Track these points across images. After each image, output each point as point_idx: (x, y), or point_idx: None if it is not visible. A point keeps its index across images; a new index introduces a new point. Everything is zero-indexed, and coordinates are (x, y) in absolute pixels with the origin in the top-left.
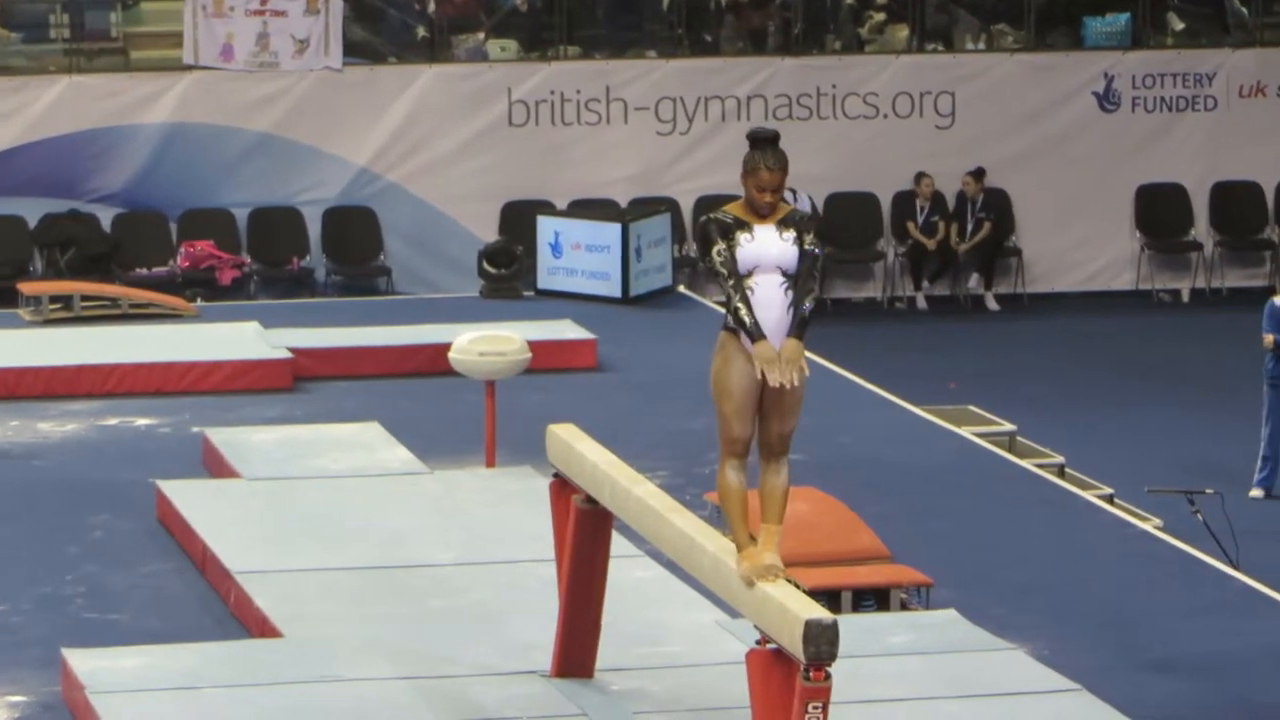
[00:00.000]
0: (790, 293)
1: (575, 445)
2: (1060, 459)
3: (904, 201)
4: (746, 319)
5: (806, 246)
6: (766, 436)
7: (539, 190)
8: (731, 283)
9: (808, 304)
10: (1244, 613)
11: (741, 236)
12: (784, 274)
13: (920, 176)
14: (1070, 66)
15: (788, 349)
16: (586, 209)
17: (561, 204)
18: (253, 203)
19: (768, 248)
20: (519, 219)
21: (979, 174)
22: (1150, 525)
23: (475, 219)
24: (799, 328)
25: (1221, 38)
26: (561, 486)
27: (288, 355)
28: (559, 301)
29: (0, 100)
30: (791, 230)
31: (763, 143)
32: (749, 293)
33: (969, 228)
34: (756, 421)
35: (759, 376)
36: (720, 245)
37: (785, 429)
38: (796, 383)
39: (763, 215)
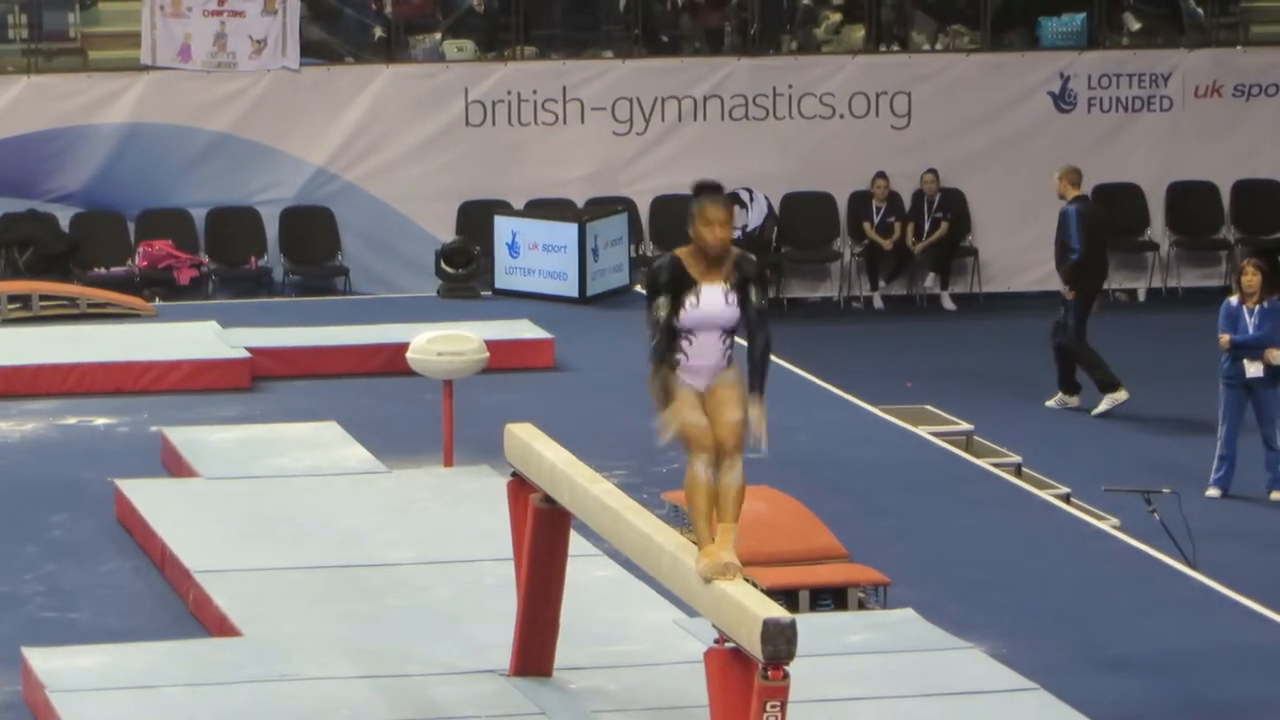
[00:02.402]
0: (727, 341)
1: (533, 444)
2: (1017, 458)
3: (860, 201)
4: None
5: (755, 303)
6: (717, 433)
7: (496, 190)
8: (658, 342)
9: (765, 361)
10: (1200, 612)
11: (688, 301)
12: (724, 330)
13: (877, 176)
14: (1026, 66)
15: (754, 413)
16: (543, 209)
17: (518, 204)
18: (211, 203)
19: (713, 313)
20: (476, 219)
21: (936, 173)
22: (1107, 524)
23: (432, 219)
24: (760, 383)
25: (1177, 38)
26: (519, 486)
27: (246, 355)
28: (516, 301)
29: None
30: (736, 293)
31: (708, 189)
32: (688, 343)
33: (925, 227)
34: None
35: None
36: (664, 299)
37: (733, 418)
38: (763, 445)
39: (712, 257)
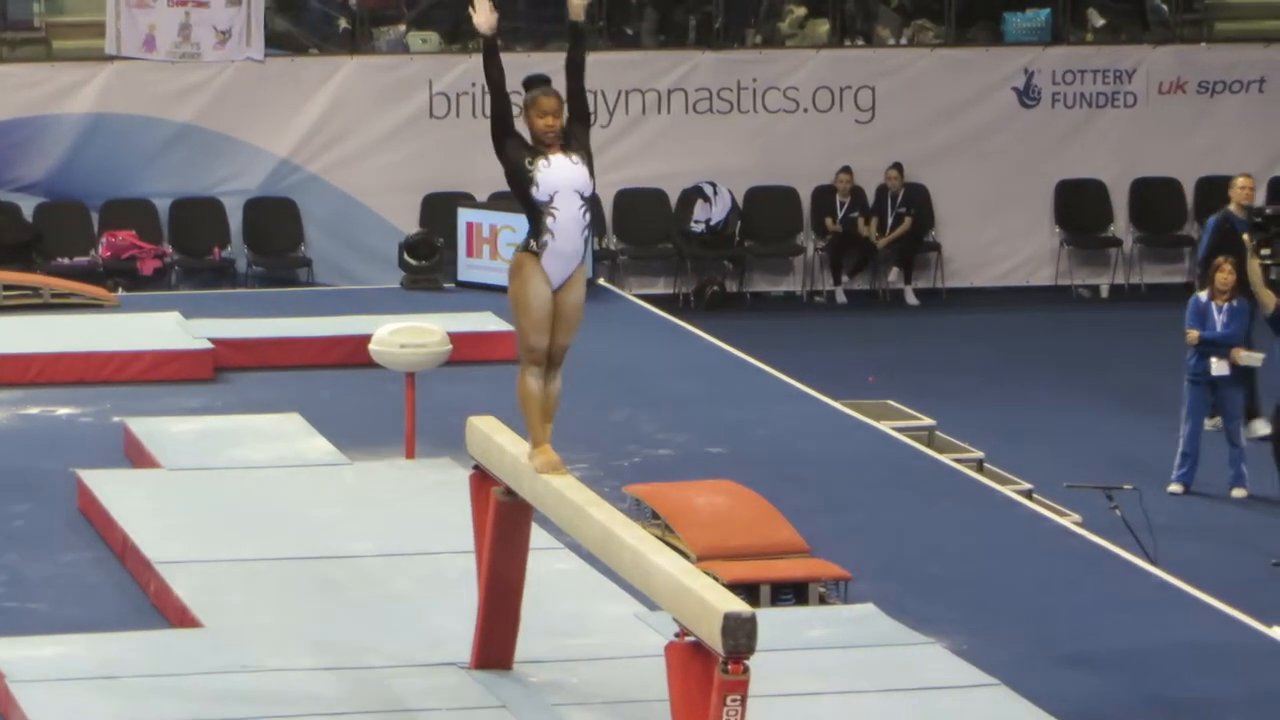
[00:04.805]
0: (587, 215)
1: (495, 437)
2: (979, 454)
3: (824, 196)
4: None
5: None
6: (550, 349)
7: (459, 182)
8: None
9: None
10: (1161, 608)
11: (540, 162)
12: (581, 197)
13: (841, 171)
14: (990, 62)
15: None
16: (507, 201)
17: (482, 196)
18: (174, 193)
19: (565, 175)
20: (440, 211)
21: (901, 168)
22: (1069, 520)
23: (396, 210)
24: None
25: (1141, 34)
26: (481, 478)
27: (209, 346)
28: (479, 294)
29: None
30: (576, 153)
31: (537, 82)
32: (551, 218)
33: (889, 222)
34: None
35: (551, 293)
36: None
37: (565, 342)
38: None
39: (547, 144)
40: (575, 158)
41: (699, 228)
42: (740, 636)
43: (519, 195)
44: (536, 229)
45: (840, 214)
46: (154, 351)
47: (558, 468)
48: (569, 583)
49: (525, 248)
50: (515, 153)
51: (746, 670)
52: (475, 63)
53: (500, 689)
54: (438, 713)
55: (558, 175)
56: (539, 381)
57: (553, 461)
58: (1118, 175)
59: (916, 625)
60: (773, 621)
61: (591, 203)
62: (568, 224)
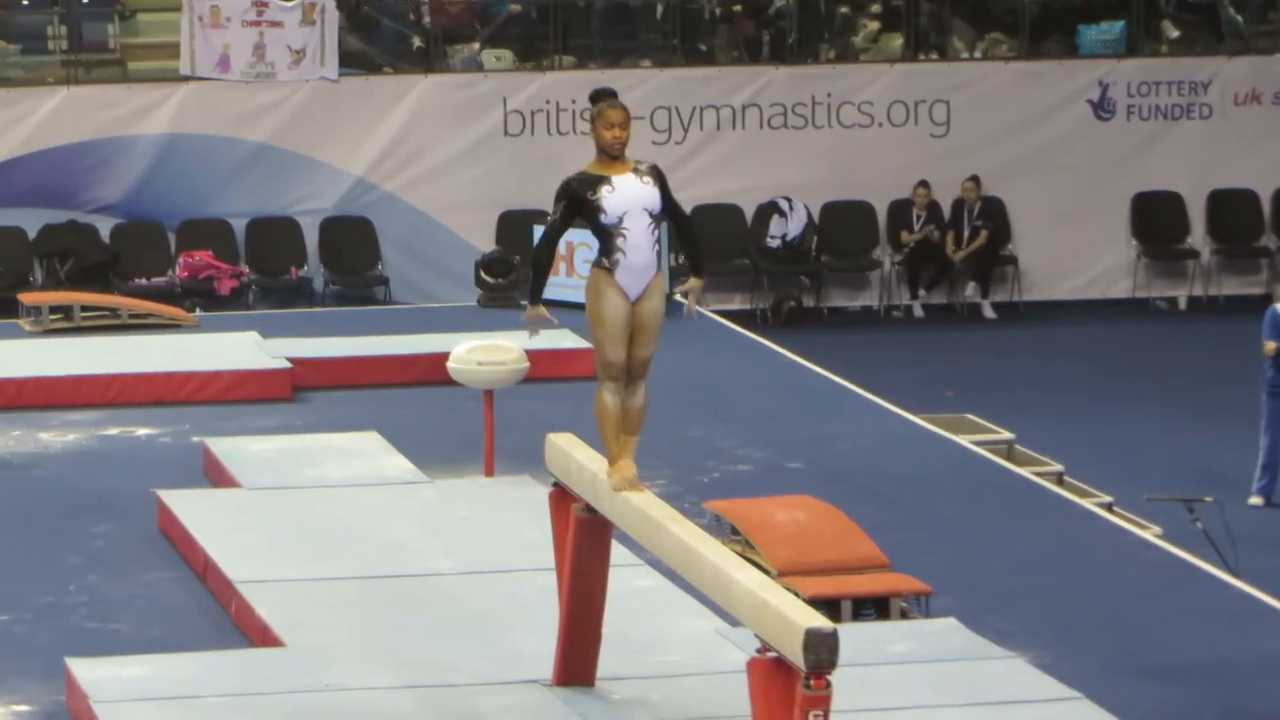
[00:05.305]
0: (654, 231)
1: (574, 454)
2: (1059, 467)
3: (899, 210)
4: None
5: (671, 196)
6: (630, 363)
7: (535, 199)
8: (545, 240)
9: (697, 243)
10: (1243, 620)
11: (604, 189)
12: (650, 215)
13: (918, 185)
14: (1065, 74)
15: (693, 294)
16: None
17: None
18: (250, 213)
19: (633, 194)
20: (515, 228)
21: (978, 180)
22: (1149, 533)
23: (472, 228)
24: (699, 266)
25: (1216, 45)
26: (561, 495)
27: (287, 365)
28: (557, 310)
29: None
30: (649, 177)
31: (604, 95)
32: (621, 238)
33: (966, 235)
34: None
35: (629, 306)
36: (559, 211)
37: (645, 354)
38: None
39: (614, 157)
40: (647, 179)
41: (775, 243)
42: (822, 652)
43: (590, 226)
44: (607, 249)
45: (917, 228)
46: (232, 371)
47: (634, 484)
48: (650, 599)
49: (599, 264)
50: (576, 197)
51: (829, 685)
52: (549, 80)
53: (582, 706)
54: None
55: (624, 196)
56: (616, 398)
57: (629, 478)
58: (1194, 187)
59: (998, 639)
60: (854, 636)
61: (662, 219)
62: (638, 240)
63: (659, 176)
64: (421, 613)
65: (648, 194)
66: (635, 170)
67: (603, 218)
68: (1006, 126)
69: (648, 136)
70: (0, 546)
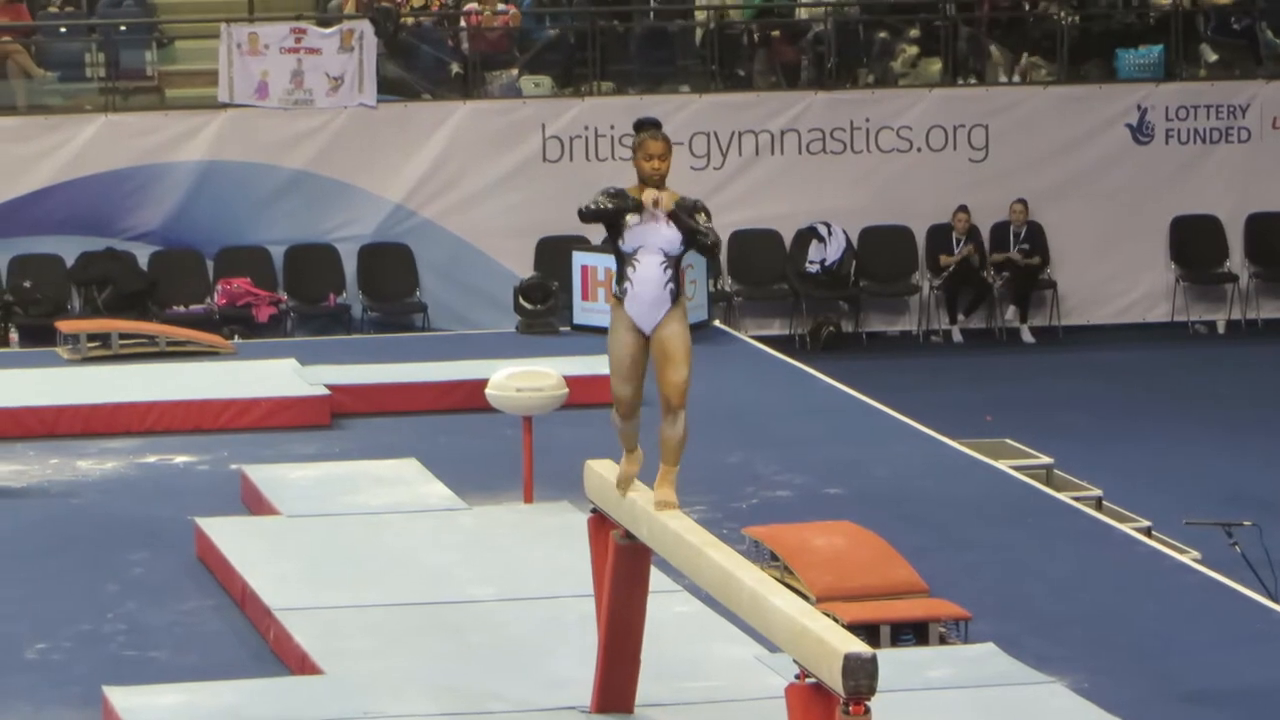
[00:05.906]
0: (669, 271)
1: (613, 480)
2: (1098, 491)
3: (938, 235)
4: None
5: (703, 226)
6: (662, 390)
7: (573, 226)
8: (594, 203)
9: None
10: None
11: (631, 219)
12: (665, 255)
13: (959, 210)
14: (1104, 99)
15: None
16: None
17: (596, 239)
18: (288, 240)
19: (655, 231)
20: (554, 254)
21: (1025, 203)
22: (1188, 558)
23: (510, 255)
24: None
25: (1254, 69)
26: (600, 522)
27: (325, 392)
28: (595, 337)
29: (37, 139)
30: (675, 220)
31: (647, 125)
32: (631, 268)
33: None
34: (641, 382)
35: (640, 340)
36: (604, 203)
37: (676, 379)
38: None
39: (652, 187)
40: (673, 225)
41: (814, 268)
42: (861, 677)
43: (610, 238)
44: (620, 274)
45: (956, 253)
46: (271, 398)
47: (663, 506)
48: (688, 625)
49: (614, 292)
50: (620, 209)
51: (868, 711)
52: (588, 106)
53: None
54: None
55: (645, 230)
56: (624, 424)
57: (657, 501)
58: (1232, 211)
59: (1037, 664)
60: (893, 662)
61: (679, 259)
62: (647, 274)
63: (691, 213)
64: (460, 640)
65: (668, 236)
66: (670, 215)
67: (621, 243)
68: (1045, 151)
69: (686, 162)
70: (39, 574)
